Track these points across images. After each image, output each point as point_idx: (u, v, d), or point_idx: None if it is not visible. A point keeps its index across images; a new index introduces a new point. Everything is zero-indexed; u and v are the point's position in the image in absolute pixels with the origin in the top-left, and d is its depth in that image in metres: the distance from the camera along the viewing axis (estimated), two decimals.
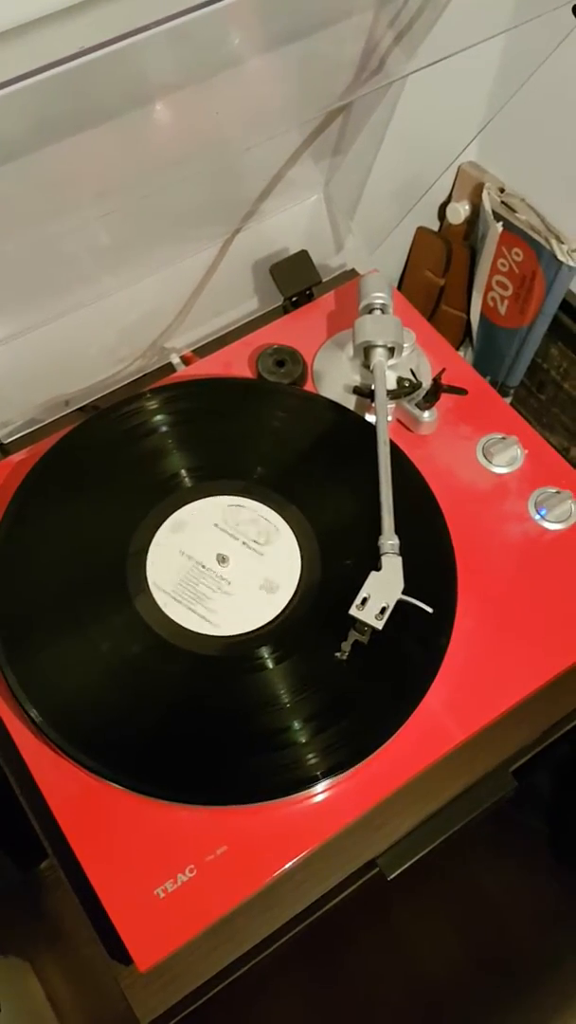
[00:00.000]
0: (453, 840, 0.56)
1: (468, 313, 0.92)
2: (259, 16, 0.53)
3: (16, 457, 0.63)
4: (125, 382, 0.70)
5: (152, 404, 0.61)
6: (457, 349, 0.93)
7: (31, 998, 0.85)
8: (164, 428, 0.61)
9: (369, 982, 0.86)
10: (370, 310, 0.64)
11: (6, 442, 0.64)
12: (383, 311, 0.64)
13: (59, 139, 0.54)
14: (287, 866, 0.50)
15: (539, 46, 0.58)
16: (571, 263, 0.78)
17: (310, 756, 0.51)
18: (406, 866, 0.55)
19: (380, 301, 0.64)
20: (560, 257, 0.78)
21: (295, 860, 0.51)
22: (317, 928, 0.56)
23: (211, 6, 0.46)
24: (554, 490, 0.62)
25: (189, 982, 0.51)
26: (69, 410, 0.68)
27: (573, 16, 0.48)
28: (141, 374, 0.71)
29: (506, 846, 0.93)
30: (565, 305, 0.83)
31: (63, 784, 0.52)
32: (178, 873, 0.49)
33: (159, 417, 0.61)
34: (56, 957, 0.88)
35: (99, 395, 0.69)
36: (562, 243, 0.78)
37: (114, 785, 0.50)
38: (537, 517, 0.61)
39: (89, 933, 0.52)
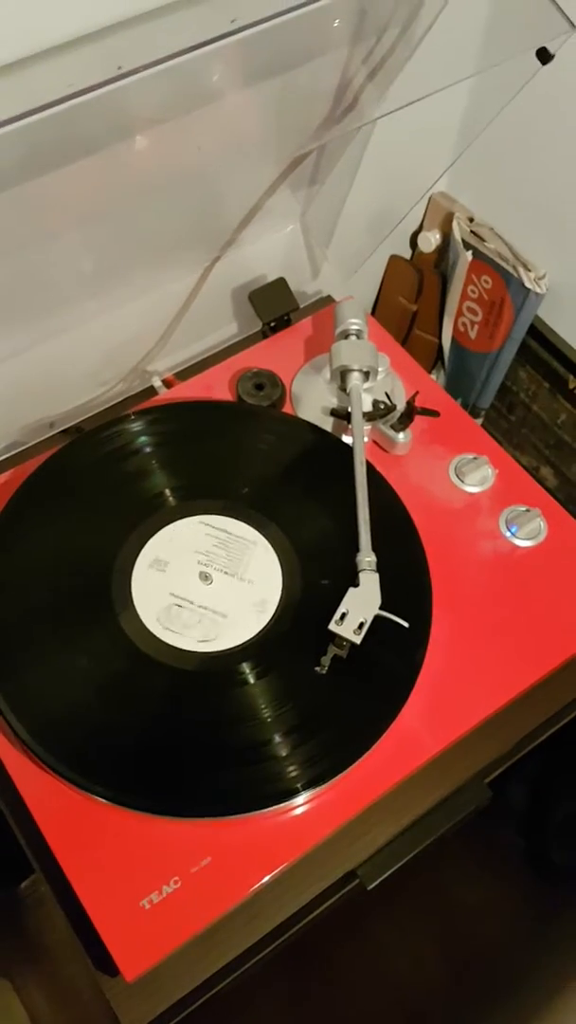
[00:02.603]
0: (430, 853, 0.58)
1: (440, 338, 0.95)
2: (239, 56, 0.56)
3: (0, 479, 0.64)
4: (108, 404, 0.72)
5: (136, 426, 0.63)
6: (429, 372, 0.96)
7: (12, 1017, 0.85)
8: (148, 449, 0.63)
9: (349, 992, 0.86)
10: (346, 335, 0.67)
11: None
12: (358, 336, 0.67)
13: (45, 171, 0.56)
14: (269, 877, 0.52)
15: (505, 86, 0.61)
16: (538, 290, 0.81)
17: (290, 769, 0.52)
18: (385, 876, 0.56)
19: (356, 327, 0.67)
20: (527, 284, 0.81)
21: (277, 871, 0.52)
22: (298, 940, 0.57)
23: (196, 51, 0.48)
24: (524, 508, 0.64)
25: (174, 992, 0.51)
26: (53, 432, 0.69)
27: (538, 60, 0.51)
28: (123, 397, 0.72)
29: (481, 859, 0.94)
30: (533, 330, 0.86)
31: (49, 798, 0.52)
32: (163, 885, 0.50)
33: (143, 439, 0.63)
34: (38, 975, 0.88)
35: (82, 417, 0.70)
36: (529, 271, 0.81)
37: (100, 799, 0.51)
38: (508, 534, 0.64)
39: (74, 947, 0.52)
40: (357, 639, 0.54)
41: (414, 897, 0.90)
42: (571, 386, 0.86)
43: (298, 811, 0.53)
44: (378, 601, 0.55)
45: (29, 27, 0.51)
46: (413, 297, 0.93)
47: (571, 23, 0.50)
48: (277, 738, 0.53)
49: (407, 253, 0.95)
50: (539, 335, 0.86)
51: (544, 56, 0.51)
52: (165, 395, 0.70)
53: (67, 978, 0.89)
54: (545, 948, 0.90)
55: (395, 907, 0.90)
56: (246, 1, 0.58)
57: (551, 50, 0.51)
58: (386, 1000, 0.87)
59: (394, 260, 0.93)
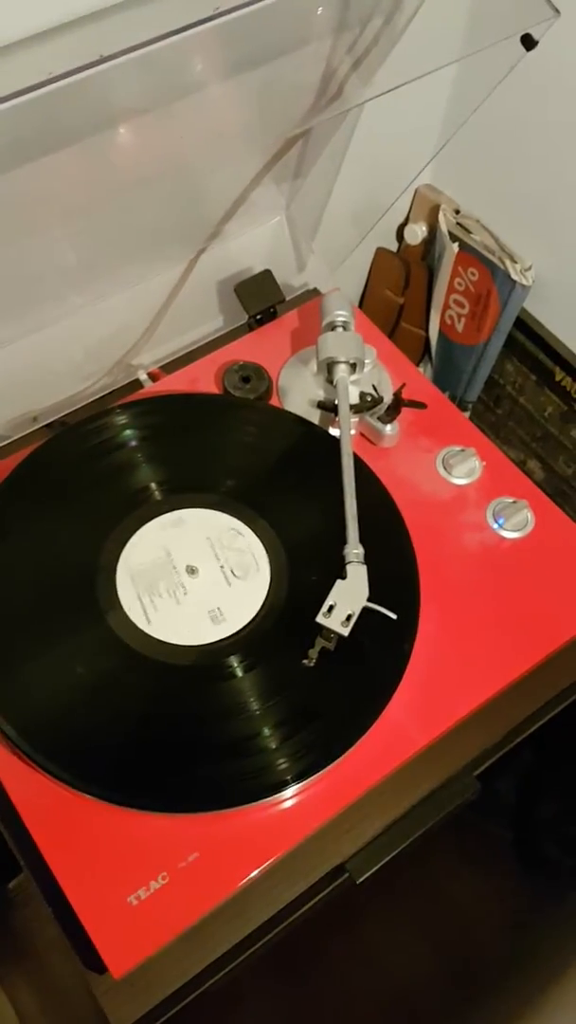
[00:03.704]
0: (418, 847, 0.57)
1: (427, 330, 0.95)
2: (221, 43, 0.55)
3: None
4: (93, 398, 0.71)
5: (121, 419, 0.63)
6: (416, 366, 0.95)
7: (1, 1015, 0.84)
8: (133, 443, 0.62)
9: (340, 989, 0.86)
10: (332, 327, 0.66)
11: None
12: (345, 328, 0.66)
13: (26, 161, 0.56)
14: (257, 871, 0.51)
15: (490, 73, 0.60)
16: (524, 282, 0.81)
17: (278, 762, 0.52)
18: (374, 870, 0.56)
19: (342, 319, 0.66)
20: (514, 276, 0.81)
21: (265, 865, 0.51)
22: (288, 937, 0.57)
23: (177, 35, 0.48)
24: (511, 500, 0.64)
25: (162, 990, 0.51)
26: (37, 426, 0.69)
27: (522, 46, 0.51)
28: (108, 391, 0.72)
29: (470, 853, 0.94)
30: (519, 323, 0.86)
31: (35, 795, 0.52)
32: (150, 880, 0.50)
33: (128, 432, 0.62)
34: (25, 975, 0.87)
35: (67, 411, 0.70)
36: (515, 263, 0.81)
37: (86, 795, 0.50)
38: (495, 526, 0.63)
39: (61, 945, 0.52)
40: (345, 631, 0.54)
41: (404, 892, 0.90)
42: (558, 378, 0.86)
43: (286, 805, 0.53)
44: (366, 593, 0.55)
45: (7, 14, 0.51)
46: (400, 290, 0.93)
47: (555, 9, 0.50)
48: (264, 731, 0.53)
49: (393, 245, 0.94)
50: (526, 327, 0.86)
51: (528, 42, 0.50)
52: (151, 388, 0.69)
53: (55, 976, 0.88)
54: (535, 940, 0.90)
55: (384, 902, 0.90)
56: None
57: (535, 36, 0.51)
58: (377, 995, 0.87)
59: (380, 253, 0.93)
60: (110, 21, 0.54)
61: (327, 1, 0.56)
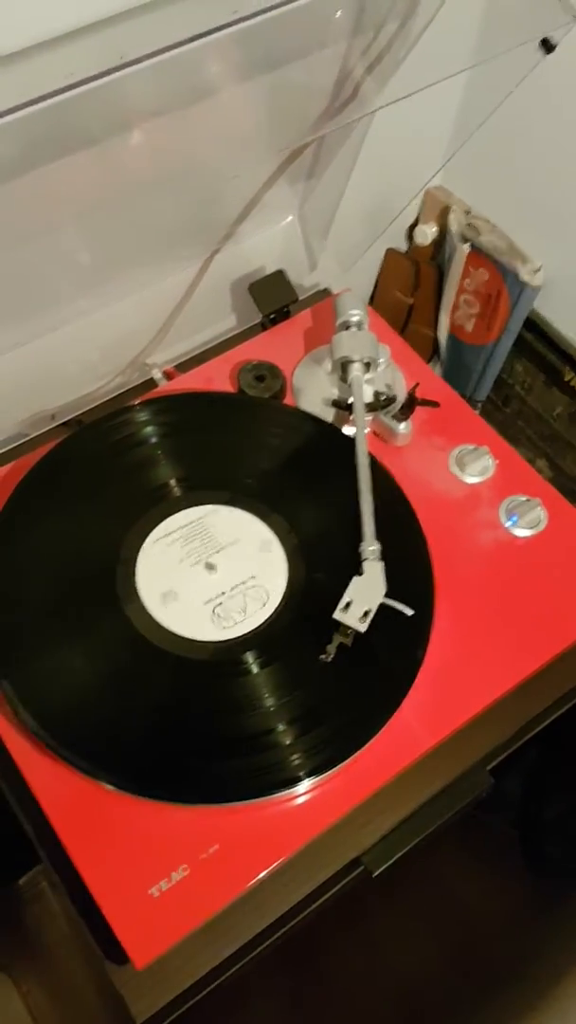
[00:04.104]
0: (426, 845, 0.58)
1: (436, 331, 0.96)
2: (239, 47, 0.56)
3: (2, 471, 0.64)
4: (109, 397, 0.72)
5: (141, 416, 0.63)
6: None
7: (12, 1012, 0.85)
8: (153, 440, 0.63)
9: (346, 985, 0.87)
10: (347, 327, 0.67)
11: None
12: (359, 327, 0.67)
13: (44, 164, 0.56)
14: (276, 864, 0.52)
15: (505, 78, 0.61)
16: (534, 283, 0.82)
17: (296, 756, 0.52)
18: (390, 862, 0.57)
19: (356, 318, 0.67)
20: (524, 277, 0.82)
21: (284, 857, 0.52)
22: (295, 934, 0.57)
23: (196, 42, 0.48)
24: (524, 498, 0.65)
25: (182, 981, 0.52)
26: (55, 424, 0.69)
27: (541, 49, 0.51)
28: (124, 389, 0.73)
29: (476, 852, 0.95)
30: (529, 323, 0.86)
31: (57, 786, 0.53)
32: (172, 872, 0.51)
33: (148, 429, 0.63)
34: (36, 970, 0.88)
35: (84, 410, 0.70)
36: (525, 263, 0.82)
37: (108, 787, 0.51)
38: (508, 524, 0.64)
39: (73, 941, 0.53)
40: (362, 627, 0.54)
41: (410, 890, 0.91)
42: (567, 378, 0.87)
43: (304, 799, 0.54)
44: (383, 589, 0.56)
45: (31, 17, 0.51)
46: (409, 291, 0.93)
47: (573, 15, 0.50)
48: (282, 726, 0.53)
49: (403, 246, 0.95)
50: (535, 328, 0.86)
51: (547, 46, 0.51)
52: (166, 387, 0.70)
53: (66, 973, 0.89)
54: (541, 939, 0.90)
55: (391, 900, 0.91)
56: None
57: (553, 40, 0.51)
58: (383, 992, 0.88)
59: (390, 253, 0.94)
60: (130, 24, 0.55)
61: (344, 4, 0.57)
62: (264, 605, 0.57)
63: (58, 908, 0.92)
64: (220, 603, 0.57)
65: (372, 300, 0.99)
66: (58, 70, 0.52)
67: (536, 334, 0.87)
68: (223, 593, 0.58)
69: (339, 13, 0.56)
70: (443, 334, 0.95)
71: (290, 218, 0.79)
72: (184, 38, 0.51)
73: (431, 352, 0.98)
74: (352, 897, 0.59)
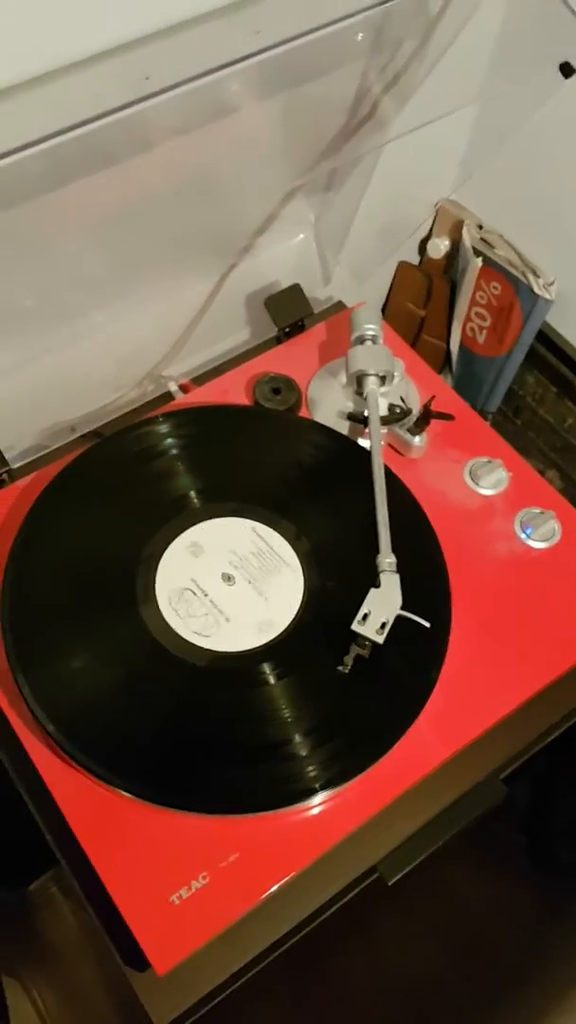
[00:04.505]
0: (437, 852, 0.59)
1: (448, 342, 0.96)
2: (262, 69, 0.57)
3: (23, 482, 0.65)
4: (127, 409, 0.73)
5: (162, 428, 0.64)
6: None
7: (22, 1016, 0.85)
8: (173, 452, 0.64)
9: (353, 991, 0.87)
10: (362, 340, 0.68)
11: (14, 467, 0.66)
12: (374, 341, 0.68)
13: (67, 182, 0.57)
14: (295, 873, 0.53)
15: (523, 100, 0.62)
16: (547, 296, 0.83)
17: (315, 767, 0.53)
18: (405, 871, 0.57)
19: (372, 332, 0.68)
20: (536, 291, 0.82)
21: (302, 867, 0.53)
22: (301, 940, 0.58)
23: (224, 70, 0.49)
24: (538, 510, 0.65)
25: (201, 987, 0.52)
26: (74, 436, 0.70)
27: (561, 74, 0.52)
28: (142, 402, 0.73)
29: (485, 858, 0.95)
30: (541, 336, 0.87)
31: (78, 795, 0.53)
32: (192, 880, 0.51)
33: (168, 441, 0.64)
34: (47, 975, 0.88)
35: (103, 422, 0.71)
36: (538, 277, 0.83)
37: (128, 795, 0.52)
38: (523, 536, 0.65)
39: (88, 945, 0.53)
40: (380, 639, 0.55)
41: (415, 894, 0.91)
42: None
43: (322, 809, 0.54)
44: (399, 601, 0.56)
45: (58, 39, 0.52)
46: (422, 302, 0.94)
47: None
48: (300, 737, 0.54)
49: (415, 259, 0.96)
50: (547, 340, 0.87)
51: (568, 70, 0.52)
52: (184, 399, 0.71)
53: (76, 978, 0.90)
54: (550, 946, 0.91)
55: (396, 904, 0.91)
56: (269, 11, 0.59)
57: (575, 64, 0.52)
58: (388, 996, 0.88)
59: (403, 266, 0.94)
60: (155, 46, 0.56)
61: (364, 27, 0.58)
62: (282, 616, 0.58)
63: (69, 913, 0.92)
64: (237, 614, 0.58)
65: (384, 311, 0.99)
66: (85, 92, 0.53)
67: (548, 347, 0.88)
68: (240, 604, 0.58)
69: (360, 36, 0.57)
70: (455, 346, 0.96)
71: (306, 233, 0.80)
72: (209, 66, 0.52)
73: (442, 363, 0.99)
74: (356, 903, 0.59)
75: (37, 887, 0.94)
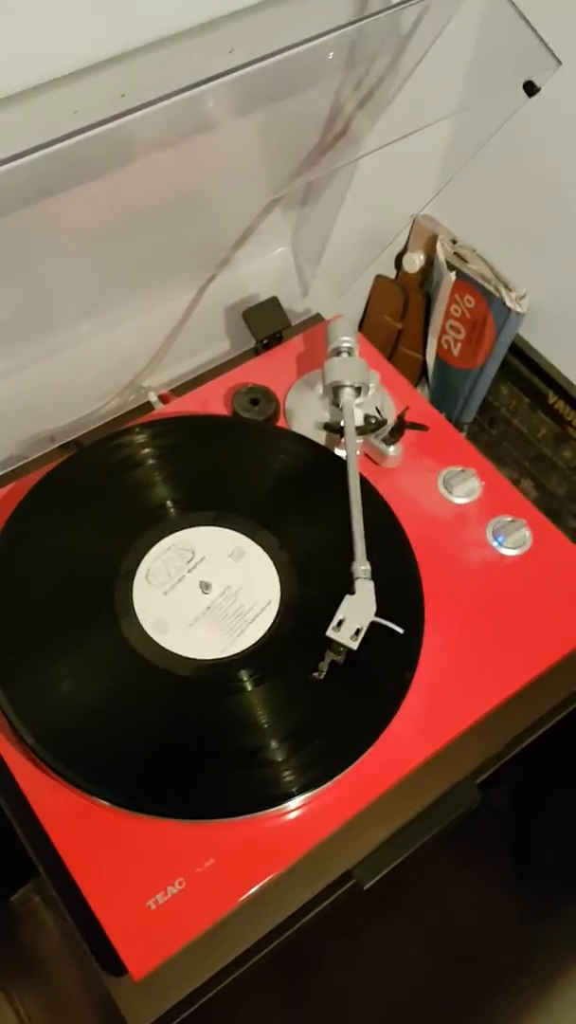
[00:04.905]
0: (418, 855, 0.59)
1: (424, 355, 0.98)
2: (238, 87, 0.58)
3: (0, 493, 0.66)
4: (106, 419, 0.73)
5: (140, 438, 0.65)
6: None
7: None
8: (151, 461, 0.64)
9: (340, 996, 0.87)
10: (338, 352, 0.69)
11: None
12: (350, 354, 0.69)
13: (45, 196, 0.58)
14: (271, 877, 0.53)
15: (492, 116, 0.64)
16: (519, 309, 0.84)
17: (290, 772, 0.54)
18: (381, 875, 0.58)
19: (347, 344, 0.69)
20: (509, 304, 0.84)
21: (278, 871, 0.53)
22: (289, 945, 0.58)
23: (199, 88, 0.50)
24: (509, 518, 0.67)
25: (177, 992, 0.53)
26: (53, 446, 0.71)
27: (525, 92, 0.54)
28: (121, 412, 0.74)
29: (468, 861, 0.96)
30: (514, 348, 0.89)
31: (55, 802, 0.54)
32: (168, 885, 0.52)
33: (146, 451, 0.65)
34: (31, 985, 0.88)
35: (83, 432, 0.72)
36: (510, 291, 0.84)
37: (105, 803, 0.52)
38: (495, 544, 0.66)
39: (70, 953, 0.53)
40: (354, 645, 0.56)
41: (402, 899, 0.91)
42: (551, 401, 0.89)
43: (298, 813, 0.55)
44: (373, 608, 0.57)
45: (37, 57, 0.53)
46: (398, 315, 0.96)
47: (556, 59, 0.53)
48: (275, 743, 0.55)
49: (392, 273, 0.97)
50: (520, 353, 0.89)
51: (531, 89, 0.54)
52: (163, 410, 0.72)
53: (60, 987, 0.89)
54: (533, 948, 0.91)
55: (383, 910, 0.91)
56: (244, 29, 0.60)
57: (537, 83, 0.54)
58: (376, 1000, 0.89)
59: (380, 280, 0.96)
60: (131, 64, 0.57)
61: (337, 45, 0.59)
62: (258, 624, 0.59)
63: (51, 923, 0.92)
64: (214, 621, 0.59)
65: (362, 324, 1.01)
66: (64, 107, 0.54)
67: (521, 359, 0.89)
68: (217, 612, 0.59)
69: (331, 54, 0.58)
70: (431, 358, 0.97)
71: (283, 246, 0.81)
72: (184, 84, 0.53)
73: (419, 375, 1.01)
74: (343, 909, 0.60)
75: (19, 898, 0.94)
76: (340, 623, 0.57)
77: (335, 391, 0.68)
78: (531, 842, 0.95)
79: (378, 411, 0.70)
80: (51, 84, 0.54)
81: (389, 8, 0.57)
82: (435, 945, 0.91)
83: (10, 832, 0.57)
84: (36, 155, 0.48)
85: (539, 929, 0.92)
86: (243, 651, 0.58)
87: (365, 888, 0.57)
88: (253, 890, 0.53)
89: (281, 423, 0.71)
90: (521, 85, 0.54)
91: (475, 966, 0.90)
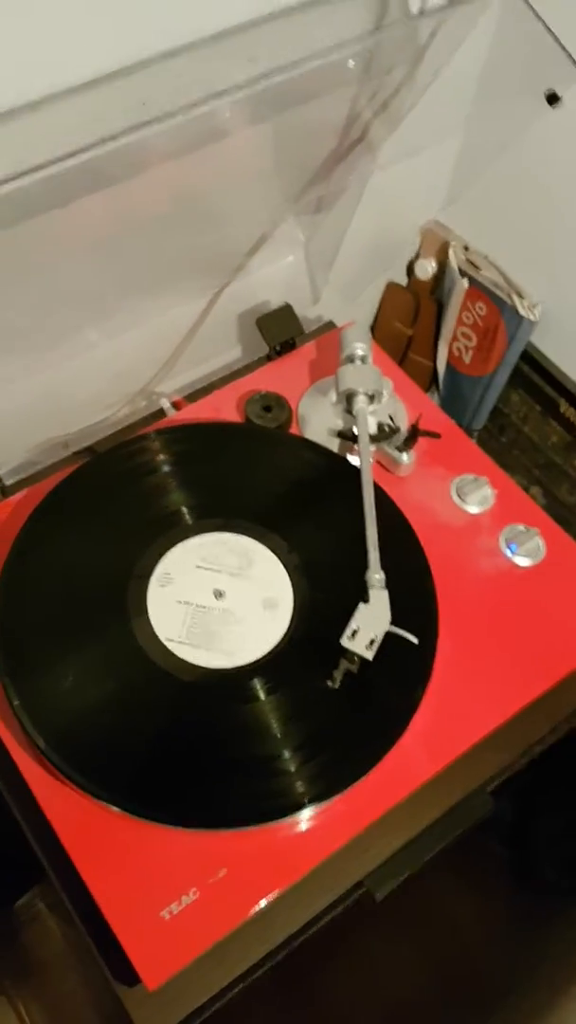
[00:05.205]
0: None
1: (435, 361, 0.98)
2: (255, 96, 0.58)
3: (15, 498, 0.66)
4: (120, 426, 0.73)
5: (155, 445, 0.65)
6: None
7: None
8: (165, 468, 0.64)
9: (339, 1003, 0.87)
10: (351, 359, 0.69)
11: (7, 483, 0.67)
12: (363, 361, 0.69)
13: (62, 203, 0.58)
14: (285, 887, 0.53)
15: (507, 126, 0.64)
16: (531, 317, 0.84)
17: (304, 782, 0.53)
18: (393, 886, 0.58)
19: (361, 352, 0.69)
20: (521, 312, 0.84)
21: (292, 882, 0.53)
22: (291, 952, 0.58)
23: (218, 100, 0.50)
24: (523, 527, 0.66)
25: (190, 1002, 0.52)
26: (67, 453, 0.71)
27: (547, 104, 0.54)
28: (134, 419, 0.74)
29: (468, 872, 0.95)
30: (525, 355, 0.89)
31: (68, 810, 0.53)
32: (182, 895, 0.52)
33: (161, 457, 0.65)
34: (34, 991, 0.88)
35: (95, 439, 0.72)
36: (523, 298, 0.84)
37: (119, 811, 0.52)
38: (508, 553, 0.66)
39: (77, 960, 0.53)
40: (369, 654, 0.56)
41: (402, 910, 0.91)
42: (562, 409, 0.89)
43: (310, 824, 0.55)
44: (388, 617, 0.57)
45: (57, 62, 0.53)
46: (409, 322, 0.96)
47: None
48: (288, 752, 0.54)
49: (403, 279, 0.97)
50: (532, 360, 0.88)
51: (553, 99, 0.53)
52: (176, 416, 0.72)
53: (63, 993, 0.89)
54: (533, 959, 0.91)
55: (381, 918, 0.91)
56: (264, 37, 0.60)
57: (559, 93, 0.54)
58: (376, 1013, 0.88)
59: (391, 286, 0.96)
60: (151, 71, 0.57)
61: (357, 54, 0.59)
62: (271, 632, 0.59)
63: (56, 929, 0.92)
64: (227, 629, 0.59)
65: (373, 330, 1.01)
66: (84, 113, 0.54)
67: (532, 366, 0.89)
68: (231, 619, 0.59)
69: (351, 63, 0.58)
70: (441, 365, 0.97)
71: (296, 254, 0.81)
72: (205, 93, 0.53)
73: (429, 382, 1.01)
74: (344, 916, 0.60)
75: (23, 903, 0.94)
76: (354, 632, 0.56)
77: (348, 398, 0.67)
78: (532, 854, 0.94)
79: (391, 419, 0.70)
80: (72, 90, 0.54)
81: (407, 19, 0.57)
82: (435, 956, 0.91)
83: (15, 837, 0.57)
84: (53, 168, 0.48)
85: (539, 940, 0.91)
86: (256, 659, 0.58)
87: (377, 898, 0.57)
88: (267, 900, 0.52)
89: (294, 430, 0.71)
90: (541, 95, 0.54)
91: (474, 978, 0.89)
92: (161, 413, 0.73)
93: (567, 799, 0.96)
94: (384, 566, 0.60)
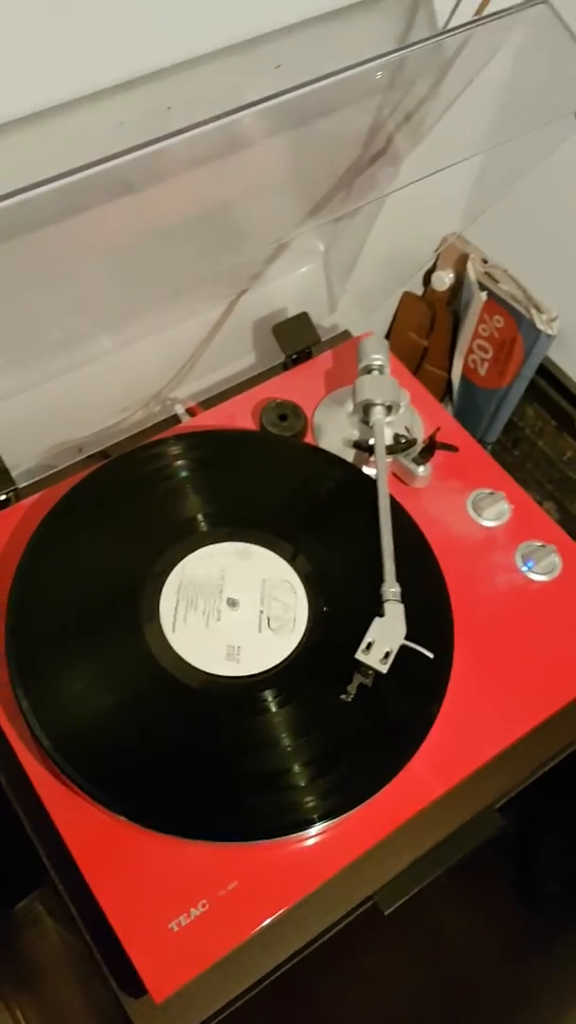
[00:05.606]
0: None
1: (449, 373, 0.98)
2: (280, 108, 0.57)
3: (29, 501, 0.65)
4: (133, 431, 0.73)
5: (170, 451, 0.65)
6: None
7: None
8: (180, 474, 0.64)
9: (339, 1014, 0.87)
10: (369, 370, 0.69)
11: (20, 486, 0.67)
12: (381, 372, 0.69)
13: (80, 210, 0.58)
14: (295, 902, 0.52)
15: (532, 146, 0.63)
16: (549, 332, 0.84)
17: (316, 797, 0.53)
18: (402, 902, 0.57)
19: (379, 362, 0.69)
20: (539, 326, 0.84)
21: (301, 896, 0.53)
22: (295, 965, 0.58)
23: (245, 111, 0.50)
24: (539, 543, 0.66)
25: (196, 1015, 0.52)
26: (81, 456, 0.71)
27: None
28: (148, 424, 0.74)
29: (471, 887, 0.95)
30: (542, 370, 0.89)
31: (78, 819, 0.53)
32: (191, 907, 0.51)
33: (176, 463, 0.64)
34: (32, 997, 0.88)
35: (109, 443, 0.72)
36: (541, 313, 0.84)
37: (129, 821, 0.52)
38: (524, 569, 0.65)
39: (78, 967, 0.53)
40: (384, 668, 0.55)
41: (404, 925, 0.91)
42: None
43: (321, 838, 0.54)
44: (403, 631, 0.57)
45: (84, 67, 0.53)
46: (425, 333, 0.95)
47: None
48: (299, 766, 0.54)
49: (419, 290, 0.97)
50: (548, 374, 0.88)
51: None
52: (191, 423, 0.71)
53: (62, 999, 0.89)
54: (536, 975, 0.91)
55: (385, 935, 0.91)
56: (290, 45, 0.60)
57: None
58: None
59: (407, 296, 0.96)
60: (176, 77, 0.57)
61: (384, 64, 0.59)
62: (284, 643, 0.58)
63: (55, 935, 0.91)
64: (242, 639, 0.58)
65: (387, 340, 1.01)
66: (110, 118, 0.54)
67: (548, 380, 0.89)
68: (244, 629, 0.59)
69: (380, 74, 0.58)
70: (456, 376, 0.97)
71: (314, 262, 0.81)
72: (230, 99, 0.53)
73: (443, 393, 1.00)
74: (347, 931, 0.59)
75: (23, 907, 0.93)
76: (369, 646, 0.56)
77: (365, 409, 0.67)
78: (535, 869, 0.94)
79: (407, 430, 0.70)
80: (99, 95, 0.54)
81: (435, 32, 0.57)
82: (437, 970, 0.90)
83: (17, 842, 0.56)
84: (74, 177, 0.48)
85: (542, 956, 0.91)
86: (269, 670, 0.57)
87: (387, 914, 0.57)
88: (276, 915, 0.52)
89: (308, 439, 0.71)
90: (571, 113, 0.54)
91: (477, 993, 0.89)
92: (175, 419, 0.73)
93: (570, 815, 0.95)
94: (399, 579, 0.59)
